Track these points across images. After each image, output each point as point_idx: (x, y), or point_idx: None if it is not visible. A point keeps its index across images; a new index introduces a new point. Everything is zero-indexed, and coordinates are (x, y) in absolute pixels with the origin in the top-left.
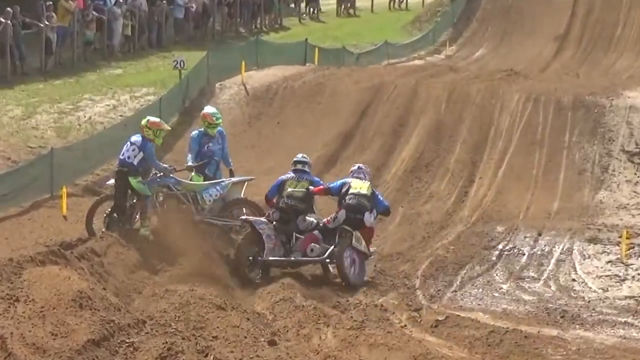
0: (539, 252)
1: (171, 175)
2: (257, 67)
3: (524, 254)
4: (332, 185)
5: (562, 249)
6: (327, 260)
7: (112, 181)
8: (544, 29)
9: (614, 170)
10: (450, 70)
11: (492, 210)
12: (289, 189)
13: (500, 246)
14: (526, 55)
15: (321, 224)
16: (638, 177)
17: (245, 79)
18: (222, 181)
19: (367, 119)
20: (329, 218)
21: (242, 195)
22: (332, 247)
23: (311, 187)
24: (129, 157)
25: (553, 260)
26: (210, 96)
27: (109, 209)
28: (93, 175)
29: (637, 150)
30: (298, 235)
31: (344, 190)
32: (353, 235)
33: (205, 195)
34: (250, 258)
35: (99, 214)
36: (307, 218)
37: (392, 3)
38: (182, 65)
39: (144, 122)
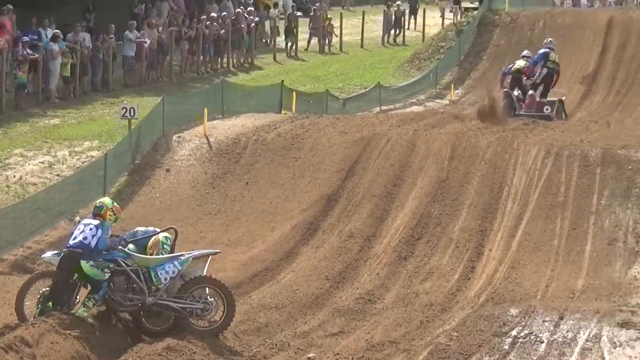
0: (560, 340)
1: (120, 247)
2: (223, 115)
3: (542, 342)
4: None
5: (589, 335)
6: None
7: (49, 254)
8: (570, 67)
9: None
10: (455, 119)
11: (504, 289)
12: None
13: (514, 332)
14: None
15: None
16: None
17: (208, 130)
18: (181, 255)
19: (355, 178)
20: None
21: (205, 273)
22: None
23: None
24: (85, 238)
25: (577, 349)
26: (165, 151)
27: (44, 289)
28: (24, 248)
29: None
30: None
31: None
32: None
33: (160, 272)
34: None
35: (31, 295)
36: None
37: (386, 37)
38: (132, 114)
39: (108, 203)
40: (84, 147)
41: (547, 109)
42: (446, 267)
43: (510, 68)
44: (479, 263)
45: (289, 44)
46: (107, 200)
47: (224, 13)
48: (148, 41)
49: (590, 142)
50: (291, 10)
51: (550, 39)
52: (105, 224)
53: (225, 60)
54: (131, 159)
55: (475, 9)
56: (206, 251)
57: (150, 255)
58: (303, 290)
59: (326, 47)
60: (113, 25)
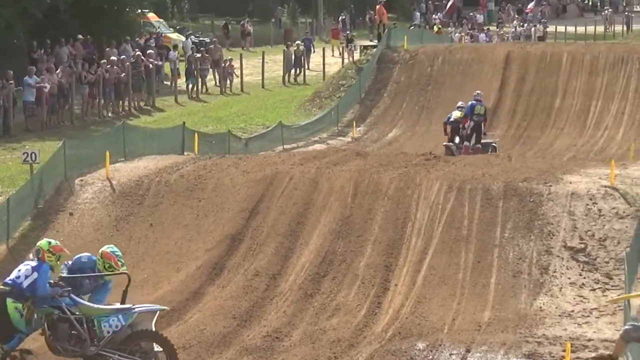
0: None
1: (67, 294)
2: (125, 158)
3: None
4: None
5: None
6: None
7: None
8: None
9: (555, 271)
10: (357, 156)
11: (411, 324)
12: None
13: None
14: None
15: None
16: (584, 278)
17: (110, 172)
18: (130, 308)
19: (259, 217)
20: None
21: (152, 327)
22: None
23: None
24: (18, 277)
25: None
26: (68, 195)
27: None
28: None
29: (582, 245)
30: None
31: None
32: None
33: (104, 325)
34: None
35: None
36: None
37: (286, 76)
38: (33, 159)
39: (43, 245)
40: None
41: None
42: (352, 303)
43: (449, 118)
44: (385, 298)
45: (190, 86)
46: (42, 242)
47: (123, 56)
48: (48, 86)
49: (492, 176)
50: (191, 52)
51: (478, 91)
52: (43, 267)
53: (126, 103)
54: (34, 204)
55: (374, 46)
56: (153, 307)
57: (110, 267)
58: (210, 329)
59: (227, 88)
60: (11, 71)
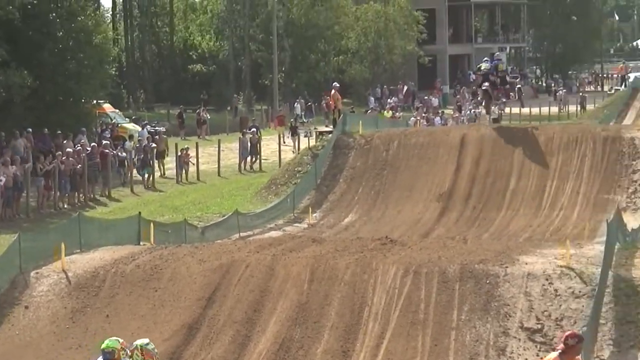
0: None
1: None
2: (81, 249)
3: None
4: None
5: None
6: None
7: None
8: (425, 186)
9: (512, 352)
10: (313, 242)
11: None
12: None
13: None
14: (404, 220)
15: None
16: (541, 358)
17: (66, 264)
18: None
19: (215, 305)
20: None
21: None
22: None
23: None
24: None
25: None
26: (24, 288)
27: None
28: None
29: (539, 326)
30: None
31: None
32: None
33: None
34: None
35: None
36: None
37: (242, 164)
38: None
39: (114, 344)
40: None
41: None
42: None
43: (480, 68)
44: None
45: (146, 176)
46: (138, 343)
47: (79, 147)
48: (3, 179)
49: (448, 259)
50: (146, 142)
51: (497, 52)
52: None
53: (82, 194)
54: None
55: (329, 132)
56: None
57: None
58: None
59: (183, 177)
60: None
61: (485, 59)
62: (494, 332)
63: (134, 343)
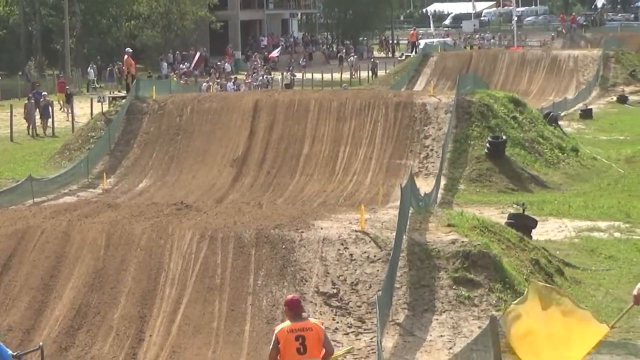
0: None
1: None
2: None
3: None
4: None
5: None
6: None
7: None
8: (219, 152)
9: (308, 317)
10: (108, 208)
11: None
12: None
13: None
14: (199, 185)
15: None
16: (337, 322)
17: None
18: None
19: (11, 272)
20: None
21: None
22: None
23: None
24: None
25: None
26: None
27: None
28: None
29: (335, 290)
30: None
31: None
32: None
33: None
34: None
35: None
36: None
37: (29, 128)
38: None
39: None
40: None
41: None
42: (108, 355)
43: None
44: (140, 350)
45: None
46: None
47: None
48: None
49: (244, 224)
50: None
51: None
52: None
53: None
54: None
55: (122, 97)
56: None
57: None
58: None
59: None
60: None
61: None
62: None
63: None
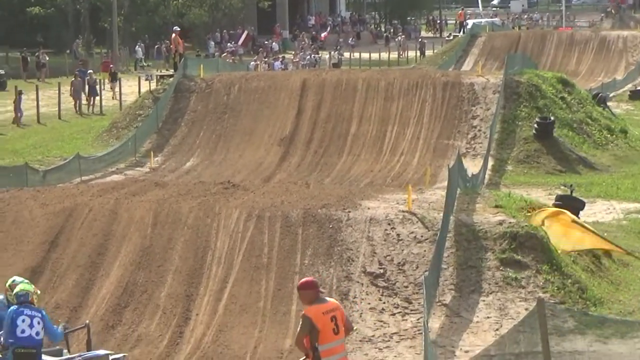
0: None
1: None
2: None
3: None
4: None
5: None
6: None
7: None
8: (266, 131)
9: (355, 297)
10: (156, 186)
11: (213, 353)
12: None
13: None
14: (246, 164)
15: None
16: (384, 303)
17: None
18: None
19: (59, 249)
20: None
21: None
22: None
23: None
24: (37, 334)
25: None
26: None
27: None
28: None
29: (381, 271)
30: None
31: None
32: None
33: None
34: None
35: None
36: None
37: (76, 106)
38: None
39: (29, 287)
40: None
41: None
42: (154, 333)
43: None
44: (187, 328)
45: None
46: (26, 286)
47: None
48: None
49: (291, 203)
50: None
51: None
52: (44, 313)
53: None
54: None
55: (170, 76)
56: (101, 352)
57: None
58: None
59: (22, 120)
60: None
61: None
62: (337, 277)
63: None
